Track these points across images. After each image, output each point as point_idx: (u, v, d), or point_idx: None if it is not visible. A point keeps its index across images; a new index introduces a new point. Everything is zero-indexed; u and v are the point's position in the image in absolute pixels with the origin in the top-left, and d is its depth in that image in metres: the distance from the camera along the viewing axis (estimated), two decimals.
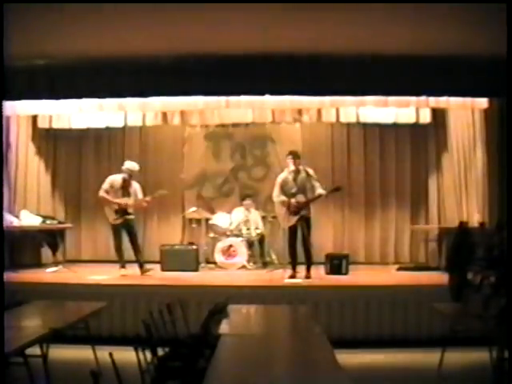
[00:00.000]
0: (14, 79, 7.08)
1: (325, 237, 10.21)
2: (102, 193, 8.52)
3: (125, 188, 8.58)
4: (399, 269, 9.37)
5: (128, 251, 8.62)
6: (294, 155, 8.19)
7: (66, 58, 7.50)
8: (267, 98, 8.08)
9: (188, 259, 9.02)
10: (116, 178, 8.62)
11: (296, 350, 4.09)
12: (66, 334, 4.99)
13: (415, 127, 9.90)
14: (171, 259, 8.98)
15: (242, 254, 9.41)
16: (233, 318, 4.96)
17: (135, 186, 8.67)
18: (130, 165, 8.67)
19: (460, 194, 9.18)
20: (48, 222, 9.57)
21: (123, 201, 8.48)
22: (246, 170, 10.78)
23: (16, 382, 4.45)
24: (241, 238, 9.56)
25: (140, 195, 8.65)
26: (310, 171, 8.16)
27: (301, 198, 8.01)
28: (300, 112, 9.28)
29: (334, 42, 6.93)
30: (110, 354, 3.39)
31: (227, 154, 10.79)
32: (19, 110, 8.68)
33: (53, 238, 9.53)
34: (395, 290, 7.36)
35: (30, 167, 9.94)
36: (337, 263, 8.65)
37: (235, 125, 10.32)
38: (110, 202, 8.45)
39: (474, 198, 8.87)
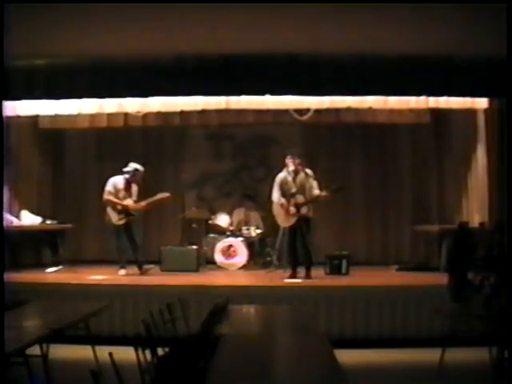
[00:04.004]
0: (13, 79, 7.09)
1: (325, 237, 10.19)
2: (106, 195, 8.51)
3: (126, 189, 8.59)
4: (399, 269, 9.37)
5: (128, 251, 8.62)
6: (293, 155, 8.19)
7: (66, 58, 7.51)
8: (267, 97, 8.08)
9: (188, 259, 9.02)
10: (118, 180, 8.62)
11: (296, 349, 4.09)
12: (66, 333, 4.99)
13: (415, 127, 9.90)
14: (171, 259, 8.97)
15: (242, 254, 9.40)
16: (233, 318, 4.96)
17: (134, 188, 8.67)
18: (137, 166, 8.67)
19: (460, 194, 9.18)
20: (48, 222, 9.57)
21: (127, 202, 8.48)
22: (247, 170, 10.78)
23: (16, 382, 4.45)
24: (241, 238, 9.56)
25: (135, 197, 8.65)
26: (309, 171, 8.16)
27: (300, 198, 8.01)
28: (300, 112, 9.29)
29: (334, 42, 6.93)
30: (110, 354, 3.39)
31: (227, 154, 10.79)
32: (19, 110, 8.66)
33: (53, 237, 9.54)
34: (395, 290, 7.36)
35: (30, 167, 9.94)
36: (337, 263, 8.65)
37: (235, 125, 10.32)
38: (115, 204, 8.45)
39: (474, 197, 8.87)
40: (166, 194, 8.72)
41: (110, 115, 9.46)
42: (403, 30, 6.50)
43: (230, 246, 9.45)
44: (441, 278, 6.80)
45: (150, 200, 8.67)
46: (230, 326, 4.67)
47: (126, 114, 9.45)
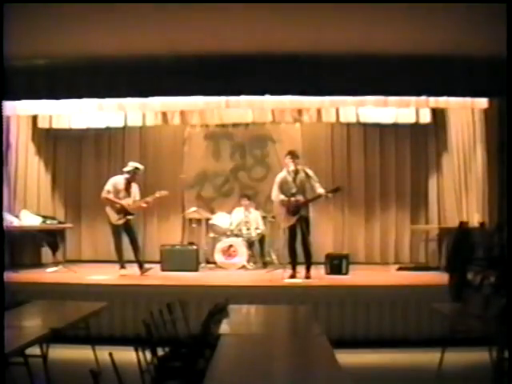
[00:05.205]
0: (13, 79, 7.08)
1: (325, 237, 10.20)
2: (104, 194, 8.52)
3: (126, 189, 8.59)
4: (399, 269, 9.37)
5: (128, 251, 8.63)
6: (293, 155, 8.19)
7: (66, 58, 7.50)
8: (267, 98, 8.07)
9: (188, 259, 9.02)
10: (118, 179, 8.63)
11: (296, 350, 4.09)
12: (66, 334, 4.99)
13: (415, 127, 9.90)
14: (171, 259, 8.98)
15: (242, 254, 9.41)
16: (233, 318, 4.96)
17: (135, 187, 8.68)
18: (136, 164, 8.68)
19: (460, 194, 9.18)
20: (48, 221, 9.57)
21: (127, 202, 8.48)
22: (246, 169, 10.78)
23: (16, 382, 4.44)
24: (241, 238, 9.56)
25: (138, 197, 8.66)
26: (310, 172, 8.17)
27: (300, 198, 8.01)
28: (300, 112, 9.29)
29: (334, 42, 6.93)
30: (110, 354, 3.39)
31: (227, 153, 10.80)
32: (19, 110, 8.68)
33: (53, 237, 9.53)
34: (395, 290, 7.36)
35: (29, 167, 9.94)
36: (337, 263, 8.65)
37: (235, 125, 10.33)
38: (113, 202, 8.45)
39: (474, 198, 8.86)
40: (164, 192, 8.73)
41: (109, 115, 9.48)
42: (403, 30, 6.50)
43: (230, 245, 9.46)
44: (441, 278, 6.80)
45: (148, 199, 8.68)
46: (229, 326, 4.67)
47: (126, 114, 9.46)
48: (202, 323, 4.79)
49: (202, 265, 9.40)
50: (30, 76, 7.62)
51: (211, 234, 9.85)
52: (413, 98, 8.32)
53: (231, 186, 10.77)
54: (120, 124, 9.69)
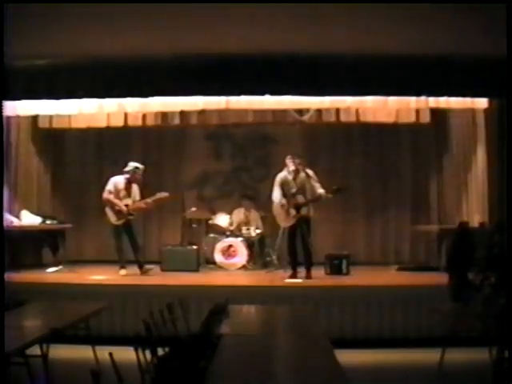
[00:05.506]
0: (14, 79, 7.09)
1: (325, 237, 10.19)
2: (106, 195, 8.52)
3: (127, 189, 8.60)
4: (399, 269, 9.37)
5: (128, 251, 8.62)
6: (294, 155, 8.19)
7: (66, 58, 7.51)
8: (267, 97, 8.07)
9: (188, 259, 9.02)
10: (119, 179, 8.63)
11: (296, 350, 4.09)
12: (66, 334, 4.99)
13: (415, 127, 9.90)
14: (171, 259, 8.98)
15: (242, 254, 9.40)
16: (233, 318, 4.96)
17: (135, 187, 8.68)
18: (136, 164, 8.69)
19: (460, 194, 9.19)
20: (48, 221, 9.57)
21: (126, 202, 8.48)
22: (247, 170, 10.78)
23: (16, 382, 4.45)
24: (241, 238, 9.55)
25: (138, 197, 8.66)
26: (310, 172, 8.16)
27: (300, 198, 8.01)
28: (300, 112, 9.29)
29: (334, 41, 6.93)
30: (110, 354, 3.39)
31: (227, 154, 10.80)
32: (19, 110, 8.67)
33: (53, 238, 9.53)
34: (395, 290, 7.36)
35: (30, 167, 9.94)
36: (337, 263, 8.64)
37: (235, 125, 10.31)
38: (114, 203, 8.46)
39: (474, 198, 8.87)
40: (164, 194, 8.73)
41: (109, 115, 9.47)
42: (403, 30, 6.50)
43: (230, 245, 9.45)
44: (441, 278, 6.80)
45: (149, 200, 8.68)
46: (230, 326, 4.67)
47: (126, 114, 9.46)
48: (202, 323, 4.79)
49: (202, 265, 9.39)
50: (29, 76, 7.62)
51: (211, 234, 9.84)
52: (413, 98, 8.32)
53: (231, 186, 10.77)
54: (120, 124, 9.68)
